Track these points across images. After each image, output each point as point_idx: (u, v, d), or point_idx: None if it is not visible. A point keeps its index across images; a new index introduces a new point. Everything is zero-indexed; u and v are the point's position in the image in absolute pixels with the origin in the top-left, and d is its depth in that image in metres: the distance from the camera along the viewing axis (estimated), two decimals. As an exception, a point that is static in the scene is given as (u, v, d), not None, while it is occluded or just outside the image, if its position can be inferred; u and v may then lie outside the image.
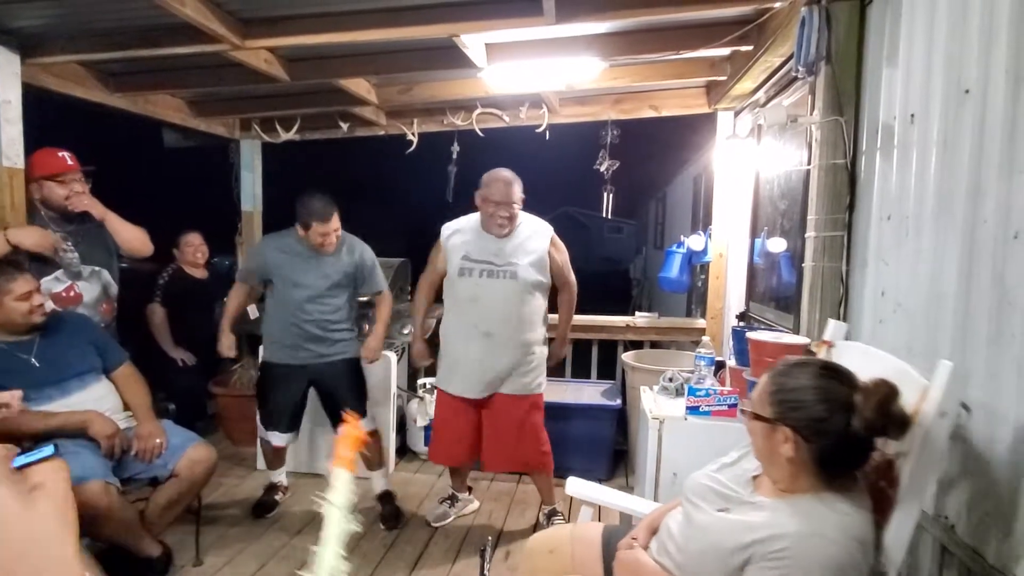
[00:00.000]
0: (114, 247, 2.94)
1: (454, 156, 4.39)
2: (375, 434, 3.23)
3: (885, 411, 1.19)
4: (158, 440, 2.41)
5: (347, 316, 3.13)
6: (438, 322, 3.20)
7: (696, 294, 5.37)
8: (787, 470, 1.26)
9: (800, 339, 2.14)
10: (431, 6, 2.45)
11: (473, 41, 2.81)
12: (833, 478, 1.24)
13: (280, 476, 3.37)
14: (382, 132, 4.38)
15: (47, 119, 3.09)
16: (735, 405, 2.16)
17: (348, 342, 3.13)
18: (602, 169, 4.19)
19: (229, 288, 4.28)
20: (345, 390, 3.11)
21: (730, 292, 3.93)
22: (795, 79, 2.61)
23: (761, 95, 3.31)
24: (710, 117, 4.08)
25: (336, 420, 3.17)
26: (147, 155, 4.84)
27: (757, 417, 1.30)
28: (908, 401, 1.27)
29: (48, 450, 2.07)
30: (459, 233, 2.91)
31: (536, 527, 3.14)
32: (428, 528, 3.10)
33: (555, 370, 4.23)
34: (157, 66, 3.19)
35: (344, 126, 4.28)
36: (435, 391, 3.13)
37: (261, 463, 3.74)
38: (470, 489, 3.35)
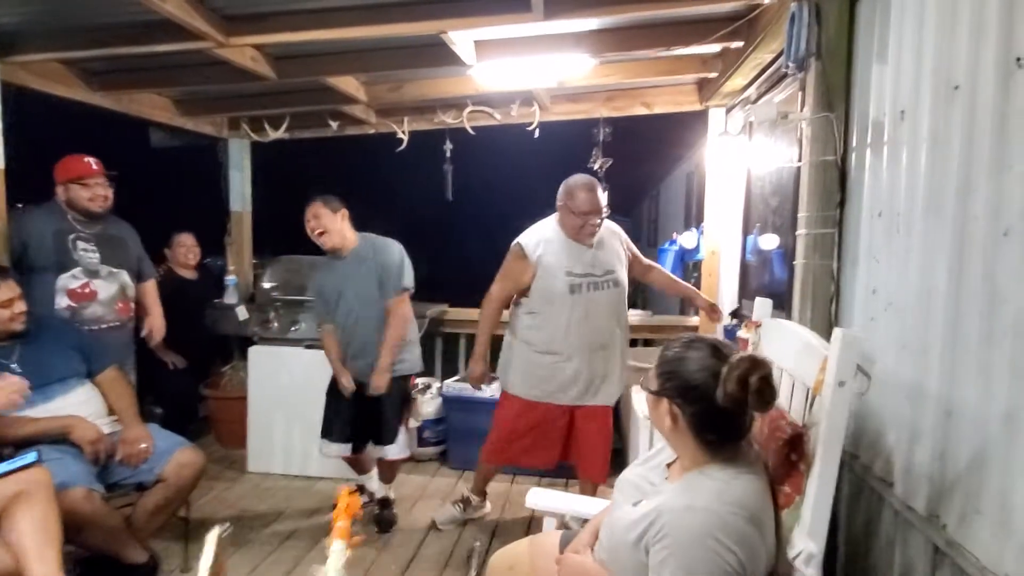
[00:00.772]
0: (136, 254, 3.13)
1: (448, 155, 4.36)
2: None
3: (743, 384, 1.22)
4: (144, 445, 2.38)
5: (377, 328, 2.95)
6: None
7: (689, 292, 5.34)
8: (680, 444, 1.32)
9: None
10: (418, 3, 2.42)
11: (461, 38, 2.78)
12: (715, 449, 1.29)
13: (367, 481, 3.24)
14: (372, 131, 4.35)
15: (31, 118, 3.06)
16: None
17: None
18: (596, 167, 4.16)
19: (220, 290, 4.26)
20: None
21: (723, 290, 3.91)
22: (786, 75, 2.59)
23: (752, 92, 3.30)
24: (702, 114, 4.05)
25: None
26: (133, 155, 4.77)
27: (646, 390, 1.37)
28: (809, 372, 1.35)
29: (30, 457, 2.05)
30: (549, 248, 2.73)
31: (528, 530, 3.12)
32: (421, 530, 3.07)
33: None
34: (141, 64, 3.15)
35: (334, 125, 4.24)
36: (502, 395, 2.97)
37: (252, 466, 3.71)
38: (485, 495, 3.25)
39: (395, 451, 3.05)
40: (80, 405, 2.41)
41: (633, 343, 4.20)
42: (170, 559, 2.67)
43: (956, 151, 1.44)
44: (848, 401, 1.29)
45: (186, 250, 4.05)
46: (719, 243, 3.94)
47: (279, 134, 4.32)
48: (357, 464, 3.22)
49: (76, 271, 2.85)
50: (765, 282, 3.18)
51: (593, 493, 2.98)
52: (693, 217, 5.99)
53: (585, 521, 1.69)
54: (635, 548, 1.26)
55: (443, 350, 4.47)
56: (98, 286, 2.91)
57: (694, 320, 4.14)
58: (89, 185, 2.85)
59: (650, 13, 2.67)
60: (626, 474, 1.50)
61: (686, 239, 4.04)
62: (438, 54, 2.92)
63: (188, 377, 3.99)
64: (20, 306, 2.34)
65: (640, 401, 2.46)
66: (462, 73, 3.37)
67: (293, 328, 3.73)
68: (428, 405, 3.90)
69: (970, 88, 1.40)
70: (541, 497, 1.92)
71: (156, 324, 3.25)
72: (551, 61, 3.13)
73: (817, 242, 2.12)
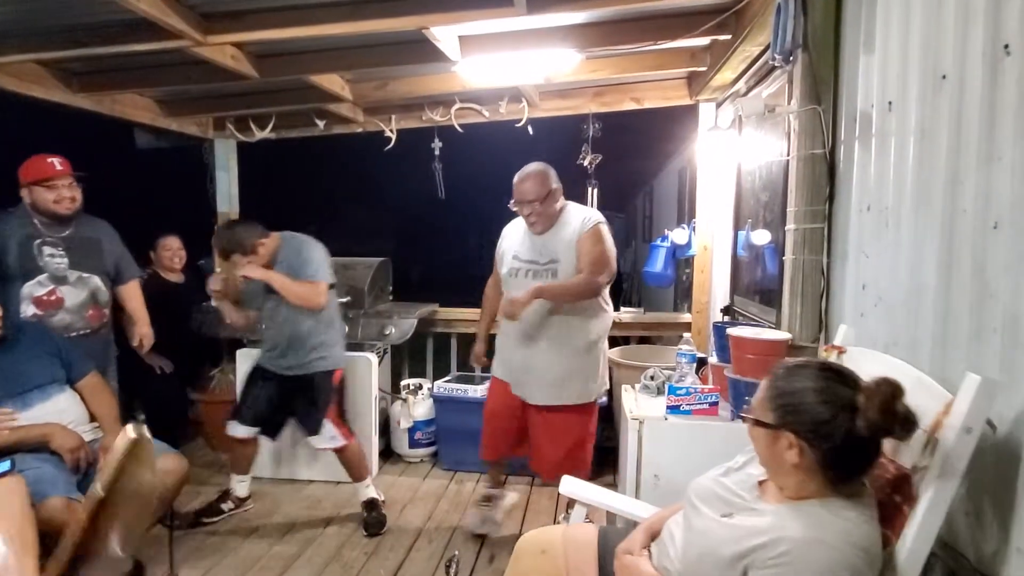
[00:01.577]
0: (112, 255, 2.99)
1: (437, 153, 4.32)
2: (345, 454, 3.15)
3: (890, 410, 1.15)
4: (125, 451, 2.33)
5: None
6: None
7: (681, 288, 5.33)
8: (793, 477, 1.22)
9: (781, 335, 2.09)
10: (399, -2, 2.38)
11: (445, 34, 2.74)
12: (840, 483, 1.20)
13: (239, 484, 3.25)
14: (360, 129, 4.31)
15: (11, 120, 3.02)
16: (716, 403, 2.11)
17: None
18: (585, 163, 4.13)
19: (206, 292, 4.20)
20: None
21: (715, 286, 3.89)
22: (774, 68, 2.56)
23: (742, 85, 3.26)
24: (693, 109, 4.02)
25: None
26: (118, 156, 4.72)
27: (759, 423, 1.25)
28: (926, 411, 1.22)
29: (3, 466, 2.00)
30: (511, 233, 2.85)
31: (521, 531, 3.08)
32: (411, 533, 3.04)
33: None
34: (121, 64, 3.10)
35: (320, 124, 4.20)
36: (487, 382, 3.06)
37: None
38: (504, 481, 3.22)
39: (320, 441, 3.09)
40: (60, 412, 2.36)
41: (626, 341, 4.18)
42: (156, 566, 2.63)
43: (944, 142, 1.40)
44: (971, 450, 1.17)
45: (171, 253, 4.00)
46: (711, 239, 3.91)
47: (265, 134, 4.27)
48: (242, 458, 3.22)
49: (42, 278, 2.74)
50: (757, 278, 3.14)
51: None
52: (686, 213, 5.96)
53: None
54: (731, 565, 1.19)
55: (434, 350, 4.43)
56: (65, 293, 2.80)
57: (686, 317, 4.11)
58: (54, 187, 2.73)
59: (636, 6, 2.63)
60: (705, 483, 1.41)
61: (677, 235, 4.01)
62: (422, 50, 2.87)
63: (176, 381, 3.95)
64: None
65: (629, 400, 2.41)
66: (448, 70, 3.32)
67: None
68: (419, 406, 3.86)
69: (957, 77, 1.36)
70: (575, 486, 1.86)
71: (145, 332, 3.15)
72: (537, 56, 3.09)
73: (806, 237, 2.08)
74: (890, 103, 1.68)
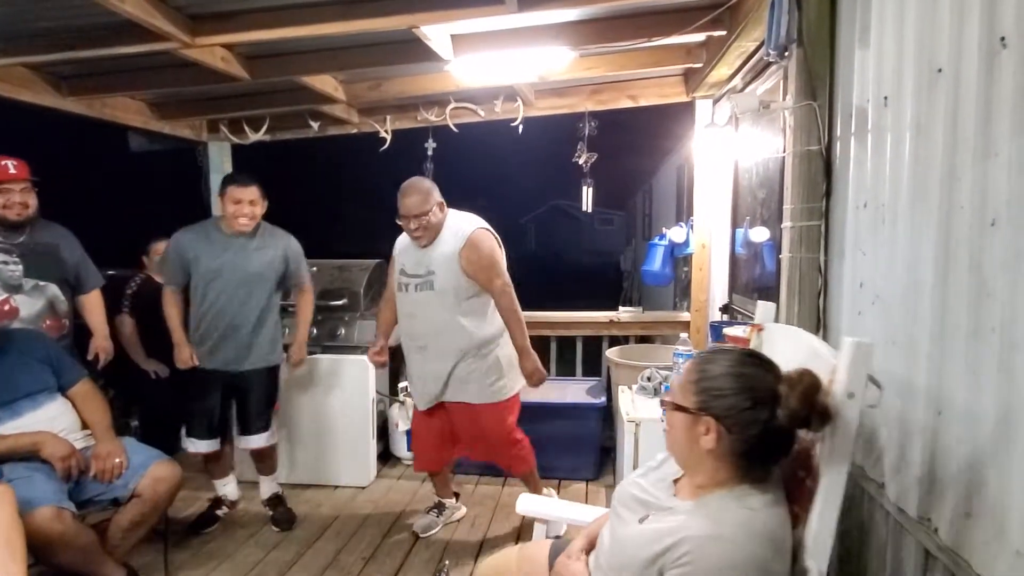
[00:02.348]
0: (71, 262, 2.89)
1: (430, 153, 4.29)
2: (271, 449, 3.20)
3: (810, 402, 1.16)
4: (117, 460, 2.32)
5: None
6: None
7: (680, 286, 5.30)
8: (706, 463, 1.22)
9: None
10: (388, -3, 2.35)
11: (436, 33, 2.71)
12: (750, 470, 1.21)
13: (225, 488, 3.22)
14: (355, 130, 4.28)
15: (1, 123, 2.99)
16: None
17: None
18: (581, 162, 4.10)
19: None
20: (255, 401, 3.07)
21: (714, 284, 3.86)
22: (769, 64, 2.53)
23: (738, 82, 3.23)
24: (689, 106, 3.99)
25: (240, 429, 3.12)
26: (112, 160, 4.71)
27: (679, 408, 1.25)
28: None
29: (-8, 476, 1.98)
30: (401, 248, 2.87)
31: (519, 535, 3.06)
32: (409, 537, 3.02)
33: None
34: (110, 68, 3.07)
35: (315, 125, 4.17)
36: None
37: (239, 473, 3.64)
38: (457, 495, 3.25)
39: (268, 438, 3.11)
40: (51, 420, 2.34)
41: (625, 340, 4.16)
42: (151, 574, 2.61)
43: (940, 138, 1.37)
44: (857, 414, 1.20)
45: (163, 257, 3.97)
46: (708, 237, 3.88)
47: (259, 136, 4.25)
48: (218, 466, 3.18)
49: None
50: (755, 275, 3.11)
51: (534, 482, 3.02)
52: (684, 211, 5.93)
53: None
54: (647, 569, 1.19)
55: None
56: (20, 302, 2.69)
57: (685, 316, 4.08)
58: (5, 191, 2.64)
59: (629, 3, 2.61)
60: (626, 486, 1.41)
61: (675, 234, 3.98)
62: (414, 50, 2.84)
63: (171, 386, 3.91)
64: None
65: (626, 401, 2.39)
66: (441, 69, 3.30)
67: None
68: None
69: (953, 71, 1.33)
70: (531, 503, 1.86)
71: (101, 344, 3.04)
72: (530, 55, 3.06)
73: (803, 235, 2.05)
74: (886, 98, 1.65)
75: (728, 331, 2.12)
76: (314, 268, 3.46)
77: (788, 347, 1.57)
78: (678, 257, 4.20)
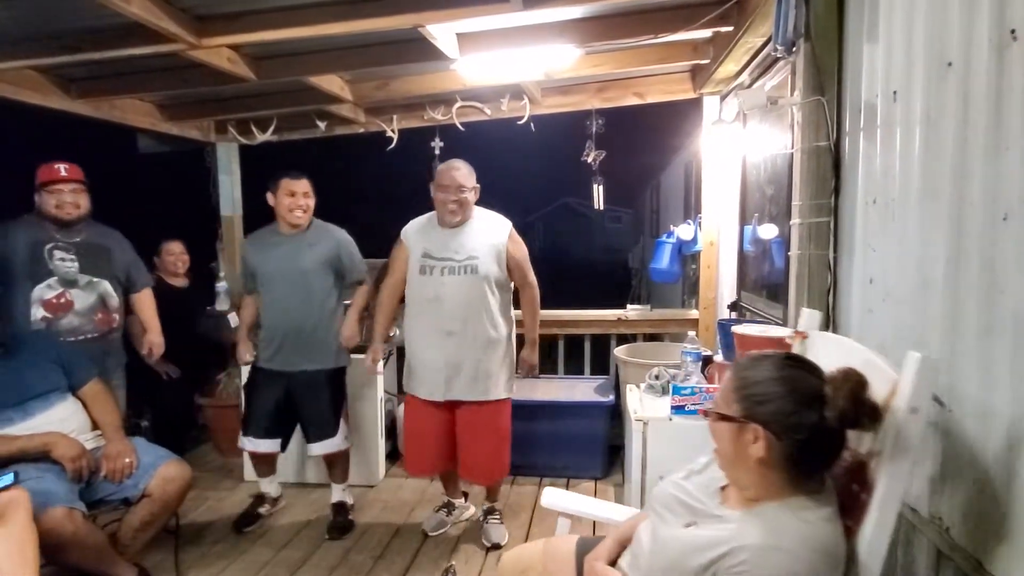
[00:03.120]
0: (122, 262, 3.03)
1: (436, 152, 4.29)
2: (343, 454, 3.18)
3: (858, 400, 1.13)
4: (127, 460, 2.33)
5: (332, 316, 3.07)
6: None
7: (688, 284, 5.28)
8: (756, 473, 1.19)
9: (787, 331, 2.04)
10: (393, -4, 2.34)
11: (442, 32, 2.71)
12: (803, 480, 1.17)
13: (268, 486, 3.25)
14: (361, 130, 4.29)
15: (13, 126, 3.03)
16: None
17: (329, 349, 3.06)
18: (589, 160, 4.09)
19: (211, 297, 4.22)
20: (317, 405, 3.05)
21: (722, 281, 3.83)
22: (777, 59, 2.50)
23: (746, 78, 3.21)
24: (697, 103, 3.97)
25: (306, 435, 3.10)
26: (121, 161, 4.73)
27: (723, 417, 1.21)
28: (879, 395, 1.19)
29: (7, 479, 2.00)
30: (418, 231, 2.84)
31: (528, 534, 3.06)
32: (418, 537, 3.02)
33: (548, 367, 4.16)
34: (118, 70, 3.09)
35: (322, 125, 4.18)
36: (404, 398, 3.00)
37: (249, 475, 3.66)
38: (466, 495, 3.23)
39: (335, 444, 3.08)
40: (62, 421, 2.36)
41: (633, 338, 4.14)
42: (162, 573, 2.63)
43: (950, 132, 1.35)
44: (921, 430, 1.16)
45: (175, 258, 4.00)
46: (717, 234, 3.86)
47: (267, 136, 4.26)
48: (266, 466, 3.19)
49: (51, 281, 2.77)
50: (764, 272, 3.09)
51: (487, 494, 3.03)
52: (692, 208, 5.91)
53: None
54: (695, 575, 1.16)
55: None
56: (74, 296, 2.82)
57: (693, 313, 4.06)
58: (56, 192, 2.76)
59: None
60: (667, 487, 1.38)
61: (683, 231, 3.96)
62: (420, 49, 2.84)
63: (182, 386, 3.95)
64: None
65: (634, 400, 2.38)
66: (447, 68, 3.29)
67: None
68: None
69: (963, 64, 1.31)
70: (557, 497, 1.82)
71: (155, 341, 3.15)
72: (536, 52, 3.05)
73: (812, 231, 2.03)
74: (895, 92, 1.63)
75: (737, 329, 2.10)
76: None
77: (837, 358, 1.45)
78: (686, 255, 4.18)
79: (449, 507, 3.12)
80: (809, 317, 1.75)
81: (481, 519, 3.03)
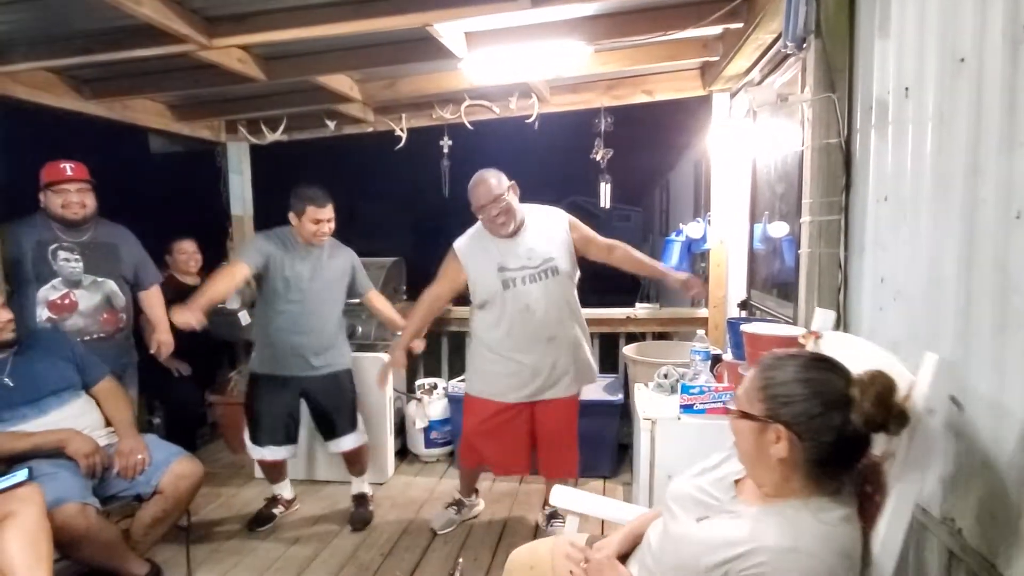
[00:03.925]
0: (129, 260, 3.04)
1: (445, 151, 4.30)
2: (363, 448, 3.23)
3: (885, 404, 1.10)
4: (140, 456, 2.36)
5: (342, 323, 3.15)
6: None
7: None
8: (777, 472, 1.17)
9: (797, 330, 2.03)
10: (401, -5, 2.35)
11: (450, 30, 2.71)
12: (825, 480, 1.16)
13: (282, 489, 3.27)
14: (371, 129, 4.30)
15: (26, 126, 3.06)
16: (731, 402, 2.06)
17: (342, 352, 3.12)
18: (598, 158, 4.08)
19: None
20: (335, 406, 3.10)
21: (732, 280, 3.81)
22: (787, 56, 2.49)
23: (756, 74, 3.19)
24: (707, 100, 3.94)
25: (327, 434, 3.14)
26: (133, 161, 4.77)
27: (745, 416, 1.20)
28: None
29: (21, 475, 2.03)
30: (479, 248, 2.73)
31: (536, 530, 3.06)
32: (427, 533, 3.03)
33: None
34: (130, 70, 3.12)
35: (331, 124, 4.20)
36: (464, 399, 2.95)
37: (260, 471, 3.69)
38: (476, 492, 3.25)
39: (354, 439, 3.14)
40: (76, 418, 2.39)
41: (642, 337, 4.13)
42: (173, 569, 2.65)
43: (963, 129, 1.34)
44: (938, 432, 1.15)
45: (187, 257, 4.03)
46: (726, 232, 3.84)
47: (277, 136, 4.28)
48: (278, 472, 3.21)
49: (56, 282, 2.78)
50: (774, 271, 3.07)
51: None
52: (702, 206, 5.88)
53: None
54: (710, 574, 1.15)
55: (449, 350, 4.42)
56: (79, 296, 2.83)
57: (702, 312, 4.04)
58: (61, 191, 2.77)
59: (644, -4, 2.58)
60: (682, 485, 1.37)
61: (692, 229, 3.94)
62: (428, 48, 2.84)
63: (193, 384, 3.98)
64: (4, 314, 2.32)
65: (642, 399, 2.37)
66: (455, 67, 3.29)
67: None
68: (434, 406, 3.85)
69: (976, 60, 1.30)
70: (566, 495, 1.82)
71: (163, 339, 3.14)
72: (545, 50, 3.04)
73: (822, 230, 2.02)
74: (907, 89, 1.62)
75: (746, 328, 2.09)
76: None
77: (851, 358, 1.40)
78: (695, 253, 4.16)
79: (459, 504, 3.13)
80: (823, 317, 1.74)
81: (544, 525, 3.04)
